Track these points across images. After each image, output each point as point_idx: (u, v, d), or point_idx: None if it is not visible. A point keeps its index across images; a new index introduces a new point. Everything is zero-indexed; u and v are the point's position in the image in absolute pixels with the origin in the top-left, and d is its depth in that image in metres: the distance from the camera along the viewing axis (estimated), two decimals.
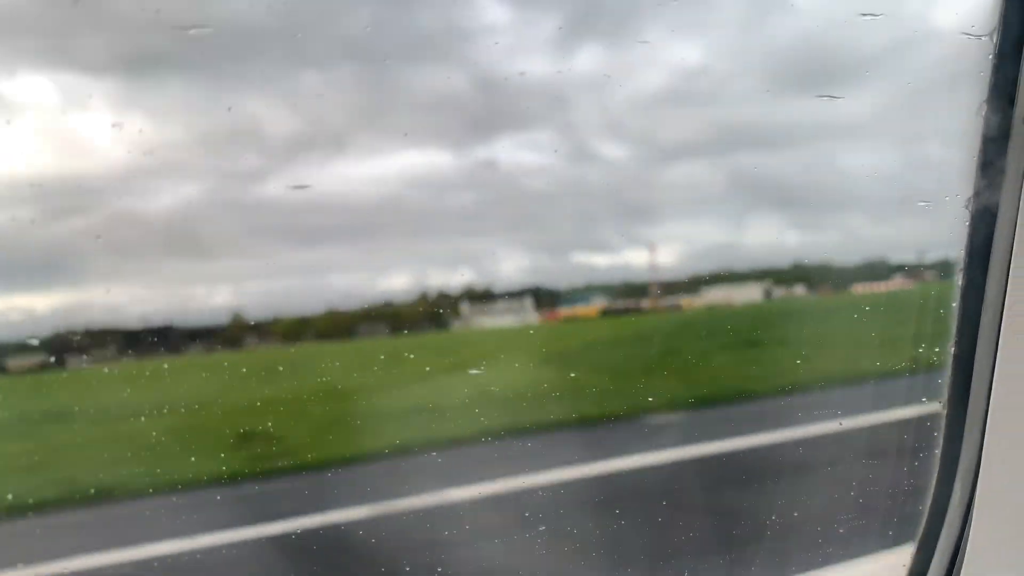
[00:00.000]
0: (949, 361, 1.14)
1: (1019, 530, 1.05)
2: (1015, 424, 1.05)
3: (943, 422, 1.17)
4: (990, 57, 1.07)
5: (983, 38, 1.08)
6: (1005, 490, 1.06)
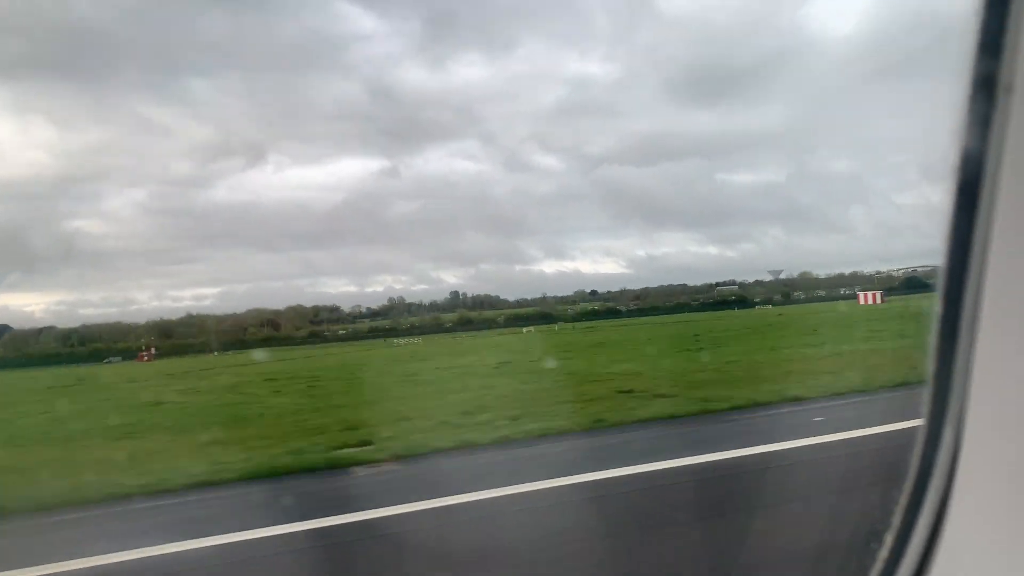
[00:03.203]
0: (930, 356, 1.17)
1: (996, 522, 1.08)
2: (995, 417, 1.08)
3: (924, 414, 1.20)
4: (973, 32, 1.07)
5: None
6: (983, 484, 1.10)
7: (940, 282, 1.13)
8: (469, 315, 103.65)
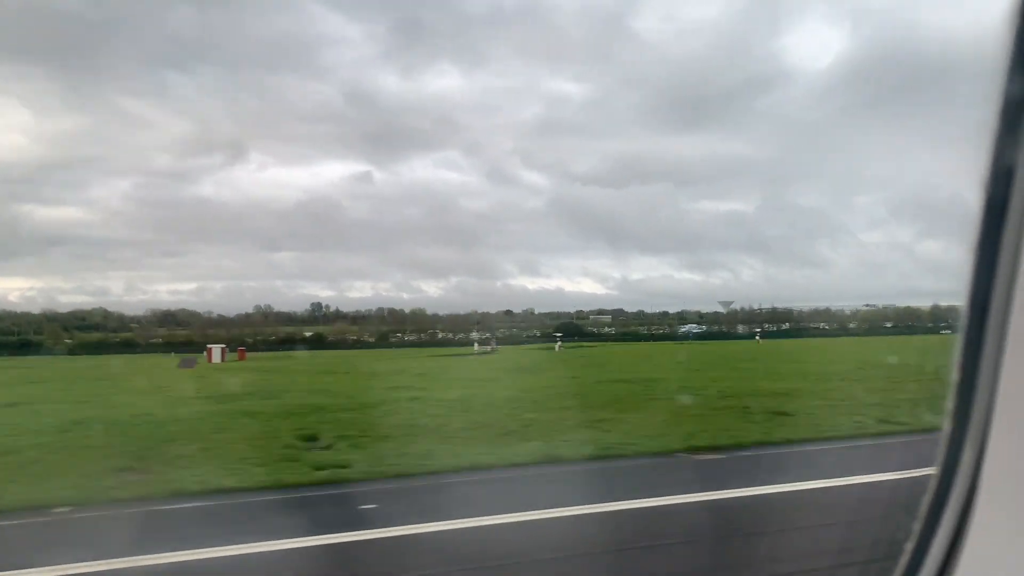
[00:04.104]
0: (954, 374, 1.19)
1: (1017, 534, 1.09)
2: (1016, 433, 1.10)
3: (946, 430, 1.21)
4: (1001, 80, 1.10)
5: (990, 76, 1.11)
6: (1004, 497, 1.12)
7: (967, 292, 1.15)
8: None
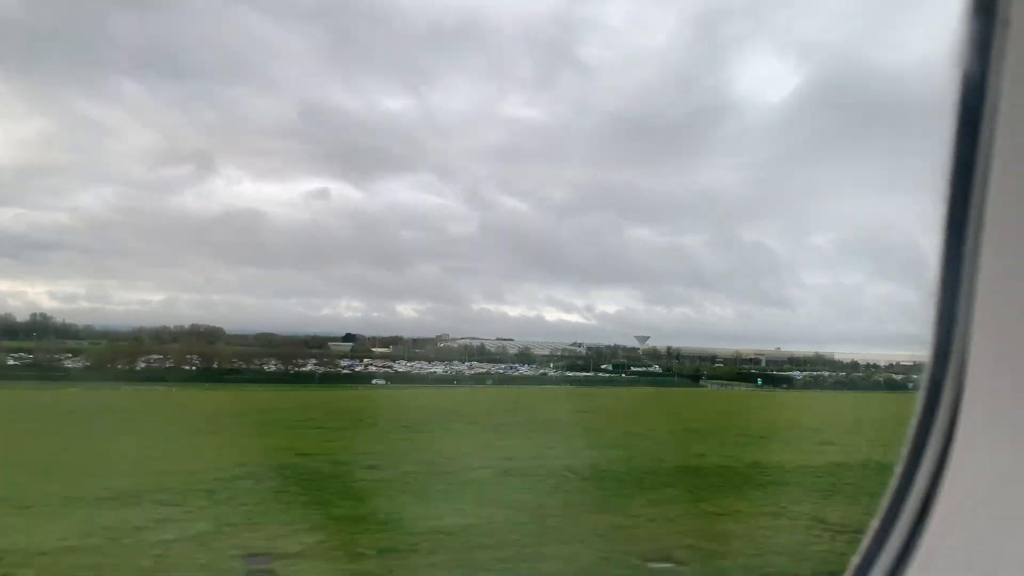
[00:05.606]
0: (927, 359, 1.18)
1: (976, 530, 1.10)
2: (985, 425, 1.10)
3: (915, 416, 1.21)
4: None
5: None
6: (967, 490, 1.12)
7: (936, 279, 1.16)
8: None
